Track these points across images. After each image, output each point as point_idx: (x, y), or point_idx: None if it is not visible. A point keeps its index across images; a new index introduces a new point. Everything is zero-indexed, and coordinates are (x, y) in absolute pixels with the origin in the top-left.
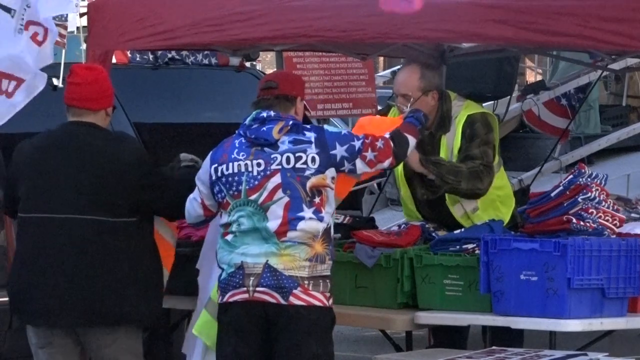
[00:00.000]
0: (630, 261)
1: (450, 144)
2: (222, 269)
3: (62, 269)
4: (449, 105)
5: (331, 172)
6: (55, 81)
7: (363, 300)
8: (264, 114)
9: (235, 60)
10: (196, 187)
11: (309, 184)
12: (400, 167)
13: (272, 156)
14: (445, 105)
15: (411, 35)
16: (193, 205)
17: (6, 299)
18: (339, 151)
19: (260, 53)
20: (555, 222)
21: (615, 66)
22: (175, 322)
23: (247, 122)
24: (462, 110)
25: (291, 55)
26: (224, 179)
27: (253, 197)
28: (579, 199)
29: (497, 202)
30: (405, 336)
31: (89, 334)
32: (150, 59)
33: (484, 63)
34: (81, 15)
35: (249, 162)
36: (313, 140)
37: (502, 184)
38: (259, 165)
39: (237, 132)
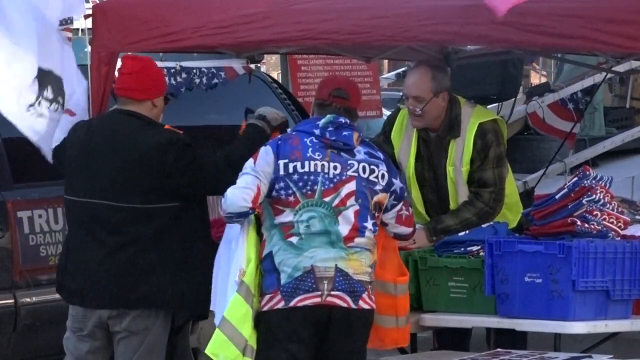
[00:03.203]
0: (635, 263)
1: (460, 151)
2: (280, 272)
3: (94, 253)
4: (458, 111)
5: (388, 194)
6: None
7: None
8: (342, 120)
9: (241, 70)
10: (248, 177)
11: (375, 198)
12: (411, 169)
13: (349, 162)
14: (454, 109)
15: (416, 37)
16: (243, 195)
17: (11, 301)
18: (397, 184)
19: (265, 55)
20: (560, 225)
21: (620, 68)
22: (179, 325)
23: (321, 124)
24: (472, 117)
25: (296, 58)
26: (296, 176)
27: (327, 199)
28: (584, 201)
29: (505, 209)
30: (409, 338)
31: (118, 317)
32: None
33: (488, 65)
34: (86, 17)
35: (325, 163)
36: (383, 159)
37: (510, 191)
38: (335, 168)
39: (301, 130)
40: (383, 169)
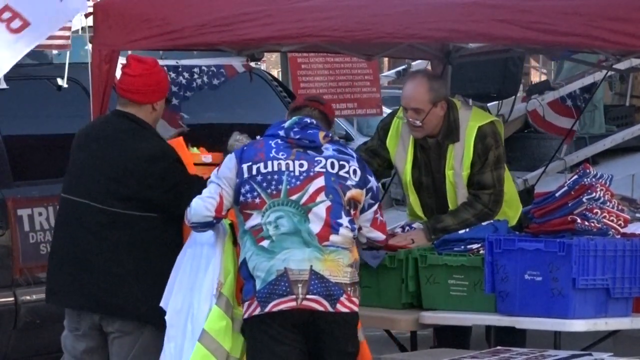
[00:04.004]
0: (635, 261)
1: (460, 155)
2: (255, 278)
3: (73, 252)
4: (456, 115)
5: (364, 192)
6: (59, 81)
7: (368, 300)
8: (307, 120)
9: (241, 68)
10: (212, 186)
11: (349, 194)
12: (408, 175)
13: (316, 159)
14: (452, 114)
15: (417, 35)
16: (205, 204)
17: (11, 299)
18: (373, 181)
19: (265, 53)
20: (560, 222)
21: (620, 66)
22: None
23: (286, 125)
24: (471, 121)
25: (296, 56)
26: (259, 177)
27: (294, 197)
28: (584, 199)
29: (504, 206)
30: (410, 336)
31: (110, 318)
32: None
33: (489, 63)
34: (86, 15)
35: (290, 162)
36: (355, 156)
37: (507, 188)
38: (301, 165)
39: (268, 134)
40: (354, 164)
